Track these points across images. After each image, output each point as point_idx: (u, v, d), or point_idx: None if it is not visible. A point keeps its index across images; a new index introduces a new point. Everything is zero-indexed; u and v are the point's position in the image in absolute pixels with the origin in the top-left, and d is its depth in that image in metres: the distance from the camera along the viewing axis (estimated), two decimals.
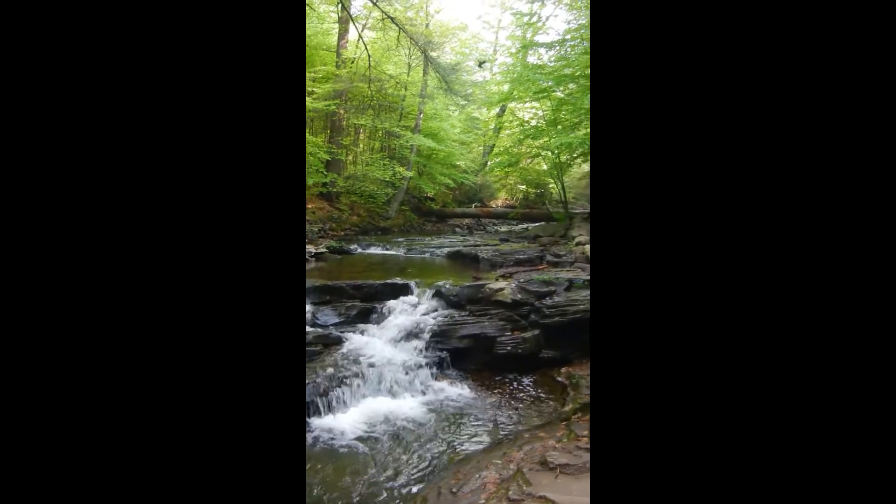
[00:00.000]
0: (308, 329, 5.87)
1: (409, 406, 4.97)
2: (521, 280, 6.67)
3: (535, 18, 19.24)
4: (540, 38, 18.01)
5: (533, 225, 16.06)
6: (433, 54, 15.74)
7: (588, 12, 13.38)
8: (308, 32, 15.40)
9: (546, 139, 14.29)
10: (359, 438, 4.33)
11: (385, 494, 3.59)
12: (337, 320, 6.30)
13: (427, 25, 17.37)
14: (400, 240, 12.89)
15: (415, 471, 3.89)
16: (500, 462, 3.88)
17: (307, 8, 14.60)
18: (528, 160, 17.85)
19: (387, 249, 11.03)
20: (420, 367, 5.50)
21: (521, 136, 16.32)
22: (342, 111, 15.82)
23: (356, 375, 5.05)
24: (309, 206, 14.14)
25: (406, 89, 17.05)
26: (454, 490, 3.50)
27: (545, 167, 17.60)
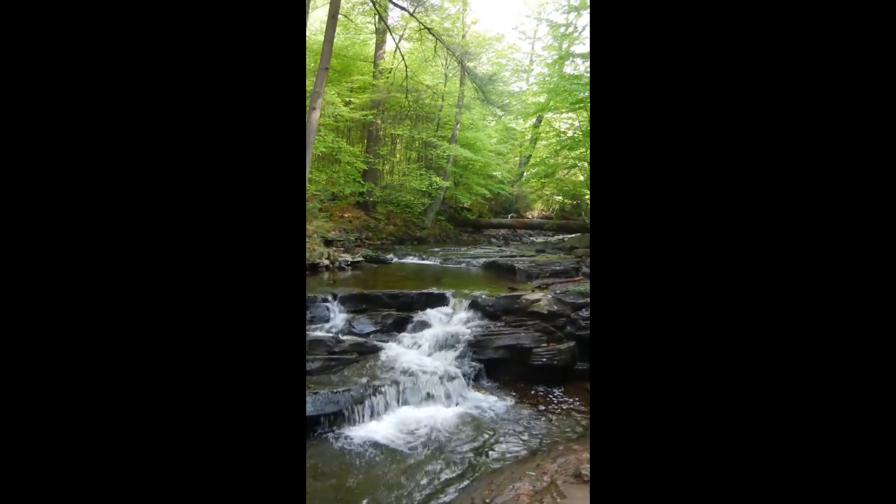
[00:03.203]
0: (344, 337, 5.92)
1: (443, 415, 4.97)
2: (558, 291, 6.65)
3: (570, 29, 19.21)
4: (576, 49, 17.93)
5: (569, 236, 15.98)
6: (470, 65, 15.78)
7: None
8: (345, 43, 15.59)
9: (583, 150, 14.22)
10: (393, 446, 4.35)
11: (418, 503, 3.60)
12: (373, 329, 6.33)
13: (464, 36, 17.43)
14: (436, 249, 12.93)
15: (448, 480, 3.89)
16: (533, 474, 3.85)
17: (345, 19, 14.78)
18: (565, 171, 17.76)
19: (423, 259, 11.07)
20: (455, 376, 5.50)
21: (558, 147, 16.25)
22: (379, 121, 15.96)
23: (392, 384, 5.07)
24: (346, 215, 14.26)
25: (443, 99, 17.13)
26: (487, 501, 3.49)
27: (582, 178, 17.50)
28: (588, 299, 6.40)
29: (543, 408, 5.35)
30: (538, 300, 6.39)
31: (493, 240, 16.88)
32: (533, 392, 5.72)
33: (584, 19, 19.41)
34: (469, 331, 6.10)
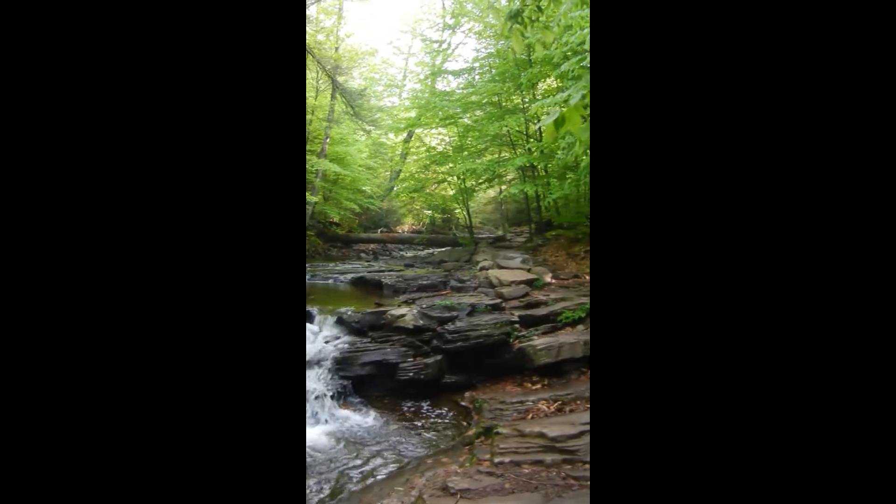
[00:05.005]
0: None
1: (311, 436, 4.89)
2: (424, 306, 6.70)
3: (444, 46, 19.54)
4: (449, 66, 18.27)
5: (438, 250, 16.14)
6: (341, 79, 15.70)
7: (496, 41, 13.70)
8: None
9: (451, 165, 14.45)
10: None
11: None
12: None
13: (337, 49, 17.31)
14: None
15: (316, 502, 3.82)
16: (401, 489, 3.87)
17: None
18: (435, 186, 17.97)
19: None
20: (322, 395, 5.43)
21: (428, 162, 16.43)
22: None
23: None
24: None
25: (313, 113, 16.91)
26: None
27: (451, 192, 17.77)
28: (454, 313, 6.50)
29: (412, 422, 5.39)
30: (403, 315, 6.41)
31: (363, 255, 16.78)
32: (401, 407, 5.74)
33: (458, 37, 19.79)
34: (335, 348, 6.03)
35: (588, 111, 2.63)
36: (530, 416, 5.10)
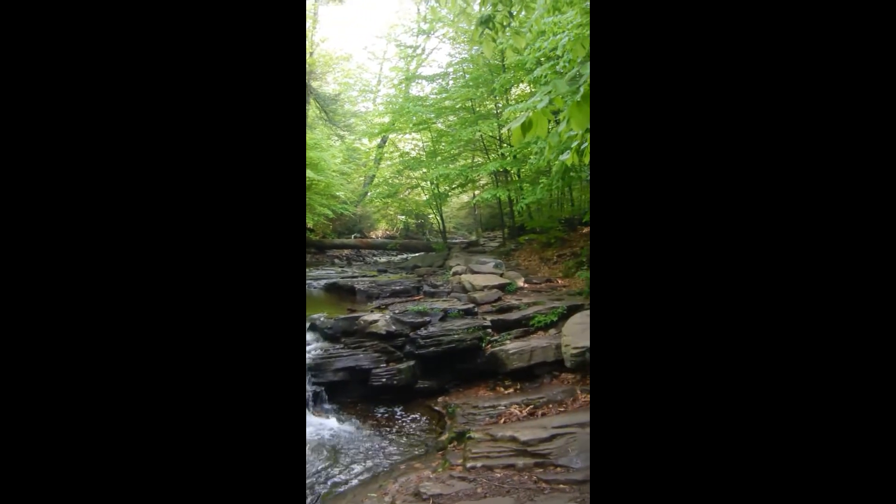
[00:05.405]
0: None
1: None
2: (397, 311, 6.70)
3: (419, 51, 19.53)
4: (423, 71, 18.24)
5: (412, 255, 16.10)
6: (315, 84, 15.64)
7: (470, 47, 13.75)
8: None
9: (425, 170, 14.45)
10: None
11: None
12: None
13: (311, 54, 17.26)
14: None
15: None
16: (374, 496, 3.87)
17: None
18: (408, 191, 17.94)
19: None
20: None
21: (401, 167, 16.41)
22: None
23: None
24: None
25: None
26: None
27: (425, 197, 17.75)
28: (426, 318, 6.51)
29: (385, 428, 5.37)
30: (376, 321, 6.39)
31: (337, 260, 16.67)
32: (374, 413, 5.73)
33: (433, 42, 19.79)
34: (308, 354, 5.99)
35: (557, 116, 2.66)
36: (502, 420, 5.12)
